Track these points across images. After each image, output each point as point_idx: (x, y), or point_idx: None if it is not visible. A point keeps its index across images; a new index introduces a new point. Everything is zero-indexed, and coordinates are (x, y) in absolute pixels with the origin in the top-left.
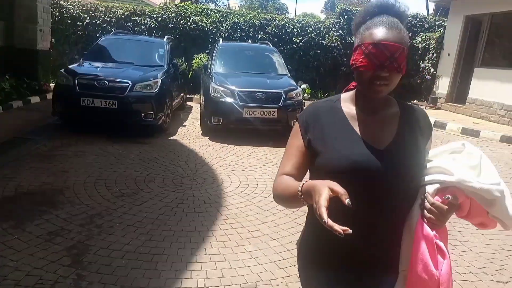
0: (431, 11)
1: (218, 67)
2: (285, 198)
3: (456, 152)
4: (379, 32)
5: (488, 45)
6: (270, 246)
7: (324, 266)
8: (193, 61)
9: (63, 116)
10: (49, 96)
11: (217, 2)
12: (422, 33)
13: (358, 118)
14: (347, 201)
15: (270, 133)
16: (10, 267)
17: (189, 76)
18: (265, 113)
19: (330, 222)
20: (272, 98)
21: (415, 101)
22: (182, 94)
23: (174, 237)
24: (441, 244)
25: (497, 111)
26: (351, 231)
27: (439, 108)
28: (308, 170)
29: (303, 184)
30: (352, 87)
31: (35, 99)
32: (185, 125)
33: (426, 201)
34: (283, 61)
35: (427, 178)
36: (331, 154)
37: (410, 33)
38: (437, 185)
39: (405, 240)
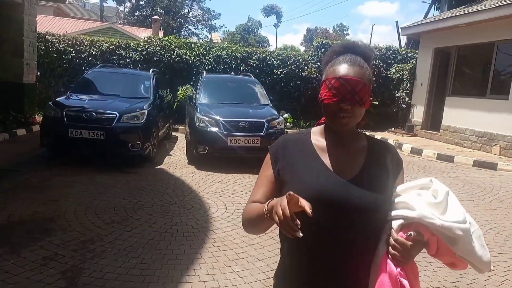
0: (403, 43)
1: (202, 98)
2: (252, 220)
3: (424, 188)
4: (342, 68)
5: (457, 75)
6: (256, 266)
7: None
8: (178, 93)
9: (51, 148)
10: (35, 128)
11: (200, 36)
12: (395, 64)
13: (327, 149)
14: (309, 211)
15: (254, 161)
16: None
17: (174, 107)
18: (249, 141)
19: (301, 202)
20: (255, 127)
21: (393, 128)
22: (167, 125)
23: (165, 260)
24: (405, 282)
25: (469, 137)
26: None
27: (415, 135)
28: None
29: (269, 202)
30: (322, 121)
31: (21, 132)
32: (171, 155)
33: (391, 237)
34: (264, 92)
35: (392, 213)
36: (297, 183)
37: (385, 65)
38: (401, 221)
39: (371, 277)
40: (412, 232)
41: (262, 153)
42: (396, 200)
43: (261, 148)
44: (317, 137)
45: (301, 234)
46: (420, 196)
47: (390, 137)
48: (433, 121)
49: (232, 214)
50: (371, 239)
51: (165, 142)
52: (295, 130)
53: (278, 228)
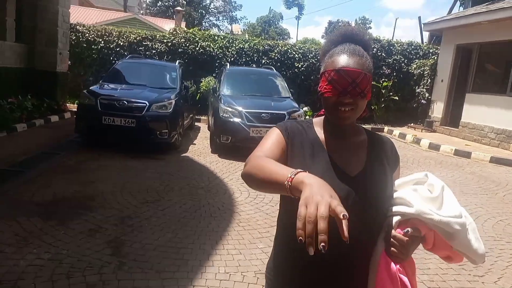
0: (425, 39)
1: (226, 90)
2: (263, 178)
3: (419, 183)
4: (341, 59)
5: (478, 72)
6: None
7: None
8: (201, 84)
9: (85, 133)
10: (67, 115)
11: (221, 27)
12: (417, 60)
13: (328, 143)
14: (342, 214)
15: None
16: (63, 255)
17: (197, 98)
18: None
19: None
20: (276, 119)
21: (412, 124)
22: (191, 115)
23: (196, 236)
24: (404, 279)
25: (488, 134)
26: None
27: (434, 131)
28: None
29: (300, 171)
30: (322, 113)
31: (54, 118)
32: (195, 143)
33: (389, 234)
34: (286, 85)
35: (391, 209)
36: (309, 169)
37: (406, 60)
38: (399, 217)
39: (371, 273)
40: (409, 229)
41: None
42: (394, 195)
43: None
44: (319, 129)
45: (312, 252)
46: (416, 192)
47: (408, 132)
48: (452, 118)
49: (255, 199)
50: (374, 235)
51: (189, 131)
52: None
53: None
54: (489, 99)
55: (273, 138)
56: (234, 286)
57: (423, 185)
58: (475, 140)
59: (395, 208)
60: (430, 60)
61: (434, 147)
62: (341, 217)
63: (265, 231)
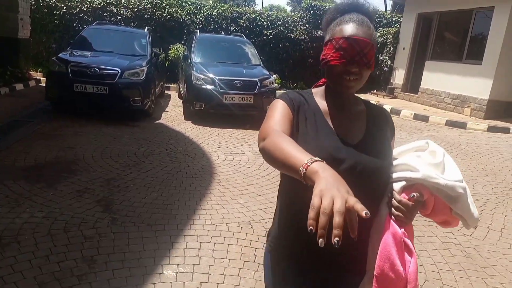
0: (388, 7)
1: (197, 57)
2: (279, 158)
3: (420, 150)
4: (350, 27)
5: (437, 40)
6: (257, 200)
7: (293, 269)
8: (169, 51)
9: (56, 101)
10: (32, 83)
11: None
12: (380, 28)
13: (329, 113)
14: (364, 212)
15: (246, 117)
16: (56, 213)
17: (166, 65)
18: (243, 99)
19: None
20: (249, 86)
21: (375, 90)
22: (161, 83)
23: (180, 194)
24: (408, 242)
25: (444, 99)
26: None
27: (395, 97)
28: None
29: (317, 160)
30: (321, 83)
31: (19, 86)
32: (167, 111)
33: (393, 198)
34: (256, 52)
35: (393, 175)
36: (307, 143)
37: None
38: (404, 183)
39: (372, 238)
40: (415, 194)
41: (254, 110)
42: (395, 162)
43: (254, 105)
44: (319, 99)
45: (323, 244)
46: (420, 158)
47: (372, 98)
48: (412, 84)
49: (232, 162)
50: (376, 201)
51: (160, 99)
52: (282, 91)
53: (272, 172)
54: (446, 66)
55: (281, 111)
56: (221, 235)
57: (425, 152)
58: (432, 105)
59: (399, 174)
60: (393, 29)
61: (395, 112)
62: (363, 215)
63: (244, 189)
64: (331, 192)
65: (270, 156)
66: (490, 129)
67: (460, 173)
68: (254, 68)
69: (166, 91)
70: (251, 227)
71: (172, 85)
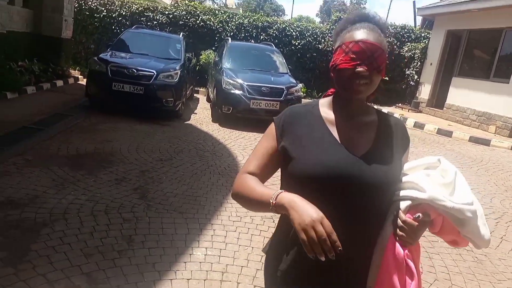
0: (418, 23)
1: (227, 63)
2: (248, 199)
3: (431, 167)
4: (360, 33)
5: (465, 57)
6: None
7: (292, 283)
8: (201, 57)
9: (95, 98)
10: (70, 80)
11: (215, 0)
12: (408, 43)
13: (335, 123)
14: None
15: (271, 123)
16: (98, 197)
17: (196, 70)
18: (269, 105)
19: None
20: (275, 93)
21: (400, 104)
22: (191, 86)
23: (208, 188)
24: (411, 264)
25: (469, 116)
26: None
27: (420, 112)
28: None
29: (279, 194)
30: (330, 93)
31: (59, 83)
32: (196, 113)
33: (398, 218)
34: (284, 61)
35: (401, 193)
36: (306, 159)
37: (398, 43)
38: (409, 202)
39: (375, 255)
40: (420, 214)
41: None
42: (403, 179)
43: (280, 111)
44: (325, 109)
45: (324, 259)
46: (429, 177)
47: (396, 111)
48: (438, 100)
49: None
50: (380, 218)
51: (189, 102)
52: (308, 100)
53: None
54: (473, 83)
55: (262, 145)
56: (245, 226)
57: (435, 169)
58: (457, 121)
59: (405, 192)
60: (421, 44)
61: (419, 126)
62: (337, 251)
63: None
64: (308, 223)
65: (242, 203)
66: None
67: (471, 195)
68: (282, 76)
69: (195, 95)
70: (273, 221)
71: (201, 89)
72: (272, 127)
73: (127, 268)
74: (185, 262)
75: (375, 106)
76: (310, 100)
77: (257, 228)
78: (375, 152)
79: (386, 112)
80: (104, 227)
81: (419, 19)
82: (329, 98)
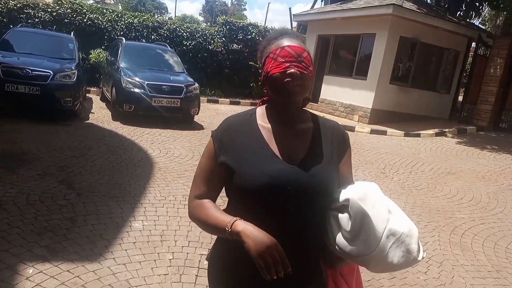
0: (294, 27)
1: (124, 63)
2: (205, 225)
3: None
4: (284, 41)
5: (333, 58)
6: None
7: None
8: (90, 56)
9: None
10: None
11: None
12: None
13: (272, 132)
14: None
15: (173, 119)
16: (27, 189)
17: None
18: (170, 102)
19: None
20: (176, 91)
21: None
22: (85, 86)
23: (129, 177)
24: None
25: (338, 108)
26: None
27: None
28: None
29: (234, 222)
30: (266, 99)
31: None
32: (93, 112)
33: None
34: (180, 60)
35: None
36: (246, 171)
37: None
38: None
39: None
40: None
41: (181, 113)
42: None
43: (180, 108)
44: (262, 118)
45: (275, 277)
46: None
47: None
48: (313, 95)
49: (166, 154)
50: (319, 220)
51: (84, 102)
52: (204, 98)
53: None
54: (340, 80)
55: (204, 164)
56: (170, 202)
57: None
58: (329, 112)
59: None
60: None
61: None
62: (287, 272)
63: (182, 173)
64: (265, 252)
65: (197, 223)
66: (372, 131)
67: (379, 238)
68: (179, 75)
69: (87, 95)
70: None
71: (93, 89)
72: (210, 144)
73: (79, 239)
74: (127, 232)
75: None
76: (243, 111)
77: (181, 203)
78: (310, 158)
79: (322, 117)
80: (44, 212)
81: (294, 23)
82: (265, 107)
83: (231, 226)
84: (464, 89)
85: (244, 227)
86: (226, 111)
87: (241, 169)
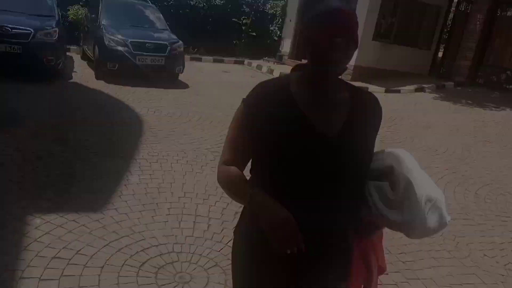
0: None
1: (106, 20)
2: (229, 194)
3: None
4: (333, 2)
5: None
6: (183, 137)
7: (262, 264)
8: (68, 13)
9: None
10: None
11: None
12: (271, 1)
13: (308, 101)
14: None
15: (157, 77)
16: (23, 147)
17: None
18: (155, 61)
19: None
20: (160, 48)
21: (267, 58)
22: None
23: (122, 135)
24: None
25: None
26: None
27: (284, 64)
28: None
29: (253, 192)
30: (298, 67)
31: None
32: (76, 71)
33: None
34: (163, 17)
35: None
36: (278, 142)
37: (262, 0)
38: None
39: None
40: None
41: (165, 71)
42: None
43: (165, 66)
44: (297, 85)
45: (288, 252)
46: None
47: (264, 64)
48: (298, 52)
49: (155, 113)
50: (354, 193)
51: (65, 61)
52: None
53: (193, 117)
54: None
55: (235, 131)
56: (163, 158)
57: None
58: None
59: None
60: (281, 2)
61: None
62: (302, 249)
63: (171, 131)
64: (275, 226)
65: (225, 189)
66: None
67: (422, 206)
68: (162, 32)
69: (67, 53)
70: (185, 154)
71: (72, 47)
72: (241, 110)
73: (79, 192)
74: (125, 185)
75: (246, 60)
76: (276, 76)
77: (174, 158)
78: (348, 129)
79: (358, 87)
80: (44, 168)
81: None
82: (301, 73)
83: (251, 196)
84: (444, 45)
85: (259, 200)
86: (210, 69)
87: (273, 140)
